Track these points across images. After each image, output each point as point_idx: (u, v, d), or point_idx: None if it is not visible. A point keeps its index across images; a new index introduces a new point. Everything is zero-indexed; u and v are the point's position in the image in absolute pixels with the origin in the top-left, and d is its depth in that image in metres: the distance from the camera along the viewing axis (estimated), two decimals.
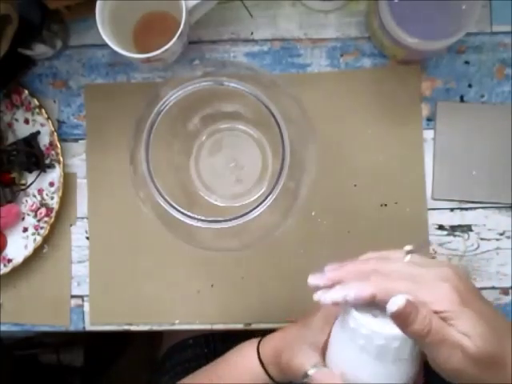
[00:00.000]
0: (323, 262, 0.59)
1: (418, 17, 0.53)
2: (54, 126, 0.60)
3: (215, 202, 0.57)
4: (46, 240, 0.60)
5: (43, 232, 0.59)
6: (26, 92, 0.60)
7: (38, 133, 0.60)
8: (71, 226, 0.61)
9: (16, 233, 0.60)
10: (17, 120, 0.61)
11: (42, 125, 0.60)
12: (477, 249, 0.59)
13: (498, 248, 0.59)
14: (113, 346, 1.12)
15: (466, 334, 0.35)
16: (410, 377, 0.40)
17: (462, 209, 0.59)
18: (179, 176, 0.57)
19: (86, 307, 0.60)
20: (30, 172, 0.60)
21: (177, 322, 0.60)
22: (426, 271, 0.38)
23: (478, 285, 0.59)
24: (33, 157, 0.59)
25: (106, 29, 0.52)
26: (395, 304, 0.35)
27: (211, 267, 0.60)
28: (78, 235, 0.61)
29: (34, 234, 0.60)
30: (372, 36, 0.59)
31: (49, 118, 0.59)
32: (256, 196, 0.55)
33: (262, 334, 0.62)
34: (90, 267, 0.60)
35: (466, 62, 0.59)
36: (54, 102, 0.61)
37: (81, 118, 0.61)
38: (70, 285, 0.60)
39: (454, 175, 0.59)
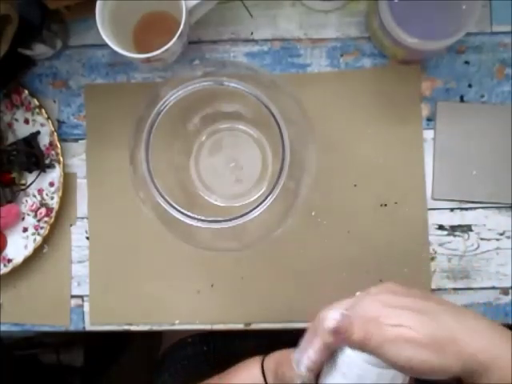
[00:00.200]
0: (323, 262, 0.59)
1: (418, 17, 0.53)
2: (53, 126, 0.60)
3: (215, 202, 0.57)
4: (46, 240, 0.60)
5: (43, 232, 0.59)
6: (26, 92, 0.60)
7: (38, 133, 0.60)
8: (71, 226, 0.61)
9: (16, 233, 0.60)
10: (17, 120, 0.61)
11: (42, 125, 0.60)
12: (477, 249, 0.59)
13: (497, 248, 0.59)
14: (113, 346, 1.12)
15: (402, 325, 0.38)
16: None
17: (462, 209, 0.59)
18: (179, 176, 0.57)
19: (86, 307, 0.60)
20: (30, 172, 0.60)
21: (177, 322, 0.60)
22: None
23: (478, 285, 0.59)
24: (33, 157, 0.59)
25: (106, 29, 0.52)
26: (332, 319, 0.39)
27: (211, 267, 0.60)
28: (78, 235, 0.61)
29: (33, 233, 0.60)
30: (372, 36, 0.59)
31: (49, 118, 0.59)
32: (256, 196, 0.55)
33: (262, 334, 0.63)
34: (90, 267, 0.60)
35: (466, 62, 0.59)
36: (54, 102, 0.61)
37: (81, 118, 0.61)
38: (69, 285, 0.60)
39: (454, 175, 0.59)
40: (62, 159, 0.59)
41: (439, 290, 0.59)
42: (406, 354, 0.37)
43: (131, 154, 0.49)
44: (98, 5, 0.52)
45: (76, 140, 0.61)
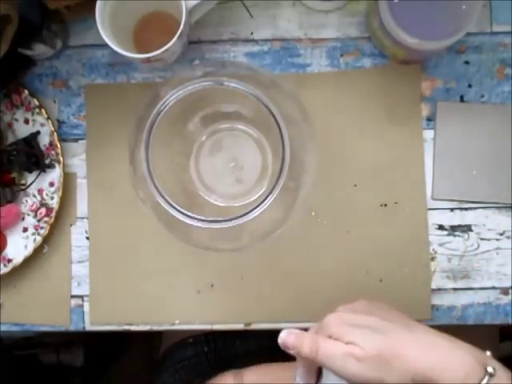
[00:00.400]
0: (323, 262, 0.59)
1: (418, 17, 0.53)
2: (53, 126, 0.60)
3: (215, 202, 0.57)
4: (46, 240, 0.60)
5: (43, 232, 0.59)
6: (26, 92, 0.60)
7: (38, 133, 0.60)
8: (71, 226, 0.61)
9: (16, 233, 0.60)
10: (17, 120, 0.61)
11: (42, 125, 0.60)
12: (477, 249, 0.59)
13: (497, 248, 0.59)
14: (113, 346, 1.12)
15: (352, 343, 0.42)
16: None
17: (461, 209, 0.59)
18: (179, 176, 0.57)
19: (86, 307, 0.60)
20: (30, 172, 0.60)
21: (177, 322, 0.60)
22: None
23: (478, 285, 0.59)
24: (33, 157, 0.59)
25: (106, 29, 0.52)
26: (280, 338, 0.45)
27: (211, 267, 0.60)
28: (78, 235, 0.61)
29: (34, 233, 0.60)
30: (372, 36, 0.59)
31: (49, 118, 0.59)
32: (256, 196, 0.55)
33: (263, 334, 0.63)
34: (90, 267, 0.60)
35: (466, 62, 0.59)
36: (54, 102, 0.61)
37: (81, 118, 0.61)
38: (69, 285, 0.60)
39: (454, 175, 0.59)
40: (62, 159, 0.59)
41: (439, 289, 0.59)
42: (350, 369, 0.41)
43: (131, 154, 0.49)
44: (98, 5, 0.52)
45: (76, 140, 0.61)
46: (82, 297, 0.60)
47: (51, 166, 0.60)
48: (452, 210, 0.59)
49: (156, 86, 0.54)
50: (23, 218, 0.60)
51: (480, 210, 0.59)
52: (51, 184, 0.60)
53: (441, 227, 0.59)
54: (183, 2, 0.52)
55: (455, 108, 0.59)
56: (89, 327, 0.61)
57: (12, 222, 0.60)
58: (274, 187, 0.45)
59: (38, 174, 0.60)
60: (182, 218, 0.45)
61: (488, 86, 0.59)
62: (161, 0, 0.56)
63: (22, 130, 0.60)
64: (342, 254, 0.59)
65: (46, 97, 0.61)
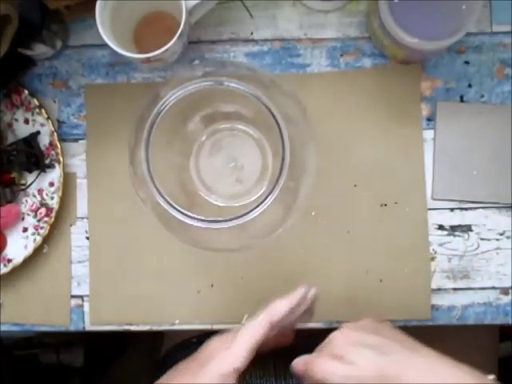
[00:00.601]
0: (323, 262, 0.59)
1: (418, 17, 0.53)
2: (53, 126, 0.60)
3: (215, 202, 0.57)
4: (46, 240, 0.60)
5: (43, 232, 0.59)
6: (26, 92, 0.60)
7: (38, 133, 0.60)
8: (71, 226, 0.61)
9: (16, 233, 0.60)
10: (17, 120, 0.61)
11: (42, 125, 0.60)
12: (477, 249, 0.59)
13: (497, 248, 0.59)
14: (113, 346, 1.12)
15: (353, 363, 0.42)
16: None
17: (461, 209, 0.59)
18: (179, 176, 0.57)
19: (86, 307, 0.60)
20: (30, 172, 0.60)
21: (177, 322, 0.60)
22: None
23: (478, 285, 0.59)
24: (33, 157, 0.59)
25: (106, 29, 0.52)
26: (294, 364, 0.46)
27: (211, 267, 0.60)
28: (78, 235, 0.61)
29: (33, 234, 0.60)
30: (372, 36, 0.59)
31: (49, 118, 0.59)
32: (256, 196, 0.55)
33: None
34: (90, 267, 0.60)
35: (466, 62, 0.59)
36: (54, 102, 0.61)
37: (81, 118, 0.61)
38: (69, 285, 0.60)
39: (453, 175, 0.59)
40: (61, 159, 0.59)
41: (439, 289, 0.59)
42: None
43: (131, 154, 0.49)
44: (98, 5, 0.52)
45: (76, 140, 0.61)
46: (82, 297, 0.60)
47: (51, 166, 0.60)
48: (452, 209, 0.59)
49: (156, 86, 0.54)
50: (23, 218, 0.60)
51: (480, 209, 0.59)
52: (51, 184, 0.60)
53: (441, 227, 0.59)
54: (183, 2, 0.52)
55: (455, 108, 0.59)
56: (89, 327, 0.61)
57: (12, 222, 0.60)
58: (273, 187, 0.45)
59: (38, 174, 0.60)
60: (182, 218, 0.45)
61: (488, 85, 0.59)
62: (161, 0, 0.56)
63: (22, 130, 0.60)
64: (342, 253, 0.59)
65: (45, 97, 0.61)
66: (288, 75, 0.60)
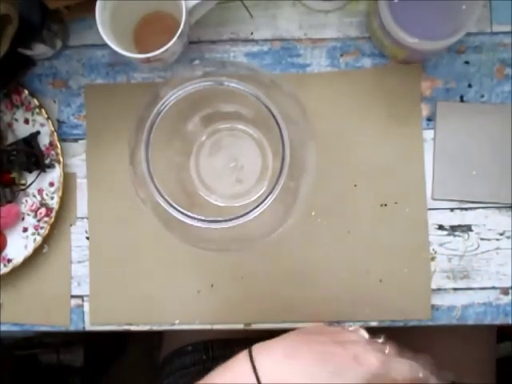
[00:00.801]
0: (323, 262, 0.59)
1: (417, 17, 0.53)
2: (53, 126, 0.60)
3: (215, 202, 0.57)
4: (46, 240, 0.60)
5: (43, 232, 0.59)
6: (26, 92, 0.60)
7: (38, 133, 0.60)
8: (71, 226, 0.61)
9: (16, 233, 0.60)
10: (17, 120, 0.61)
11: (42, 125, 0.60)
12: (477, 249, 0.59)
13: (497, 248, 0.59)
14: (113, 345, 1.12)
15: None
16: None
17: (462, 209, 0.59)
18: (179, 176, 0.57)
19: (86, 307, 0.60)
20: (30, 172, 0.60)
21: (177, 322, 0.60)
22: None
23: (478, 285, 0.59)
24: (33, 157, 0.59)
25: (106, 29, 0.52)
26: None
27: (211, 267, 0.60)
28: (78, 235, 0.61)
29: (33, 233, 0.60)
30: (372, 36, 0.59)
31: (49, 118, 0.59)
32: (256, 196, 0.55)
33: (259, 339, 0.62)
34: (90, 267, 0.60)
35: (466, 62, 0.59)
36: (54, 102, 0.61)
37: (81, 118, 0.61)
38: (69, 285, 0.60)
39: (453, 175, 0.59)
40: (61, 159, 0.59)
41: (439, 289, 0.59)
42: None
43: (131, 154, 0.49)
44: (98, 5, 0.52)
45: (76, 140, 0.61)
46: (82, 297, 0.60)
47: (51, 166, 0.60)
48: (452, 209, 0.59)
49: (156, 86, 0.54)
50: (23, 218, 0.60)
51: (480, 209, 0.59)
52: (51, 184, 0.60)
53: (441, 227, 0.59)
54: (183, 2, 0.52)
55: (455, 108, 0.59)
56: (89, 327, 0.61)
57: (12, 222, 0.60)
58: (273, 187, 0.45)
59: (38, 174, 0.60)
60: (182, 218, 0.45)
61: (488, 85, 0.59)
62: (161, 0, 0.56)
63: (22, 130, 0.60)
64: (341, 254, 0.59)
65: (45, 97, 0.61)
66: (288, 75, 0.60)
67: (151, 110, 0.46)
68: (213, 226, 0.45)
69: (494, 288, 0.59)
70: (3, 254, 0.60)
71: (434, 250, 0.59)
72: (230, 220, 0.45)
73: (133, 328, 0.60)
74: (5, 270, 0.59)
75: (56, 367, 1.11)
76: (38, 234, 0.59)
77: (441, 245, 0.59)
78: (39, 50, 0.58)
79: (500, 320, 0.59)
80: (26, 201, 0.61)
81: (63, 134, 0.61)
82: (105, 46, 0.52)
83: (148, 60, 0.54)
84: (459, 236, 0.59)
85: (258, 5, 0.60)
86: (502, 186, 0.58)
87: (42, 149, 0.60)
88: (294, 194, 0.49)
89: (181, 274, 0.60)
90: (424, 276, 0.59)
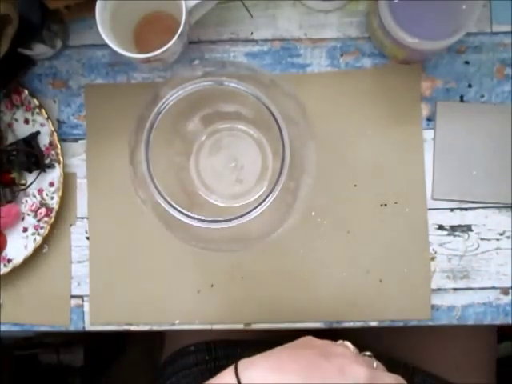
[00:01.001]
0: (323, 262, 0.59)
1: (417, 17, 0.53)
2: (53, 126, 0.60)
3: (215, 202, 0.57)
4: (46, 240, 0.60)
5: (43, 232, 0.59)
6: (26, 92, 0.60)
7: (38, 133, 0.60)
8: (71, 226, 0.61)
9: (16, 233, 0.60)
10: (17, 120, 0.61)
11: (42, 125, 0.60)
12: (477, 249, 0.59)
13: (497, 248, 0.59)
14: (113, 345, 1.12)
15: None
16: None
17: (462, 209, 0.59)
18: (179, 176, 0.57)
19: (86, 307, 0.60)
20: (30, 172, 0.60)
21: (177, 322, 0.60)
22: None
23: (478, 285, 0.59)
24: (33, 157, 0.59)
25: (106, 29, 0.52)
26: None
27: (211, 267, 0.60)
28: (78, 235, 0.61)
29: (33, 234, 0.60)
30: (372, 36, 0.59)
31: (49, 118, 0.59)
32: (256, 196, 0.55)
33: (263, 343, 0.62)
34: (89, 267, 0.60)
35: (466, 62, 0.59)
36: (54, 102, 0.61)
37: (81, 118, 0.61)
38: (69, 285, 0.60)
39: (453, 175, 0.59)
40: (61, 159, 0.59)
41: (439, 289, 0.59)
42: None
43: (131, 154, 0.49)
44: (98, 5, 0.52)
45: (76, 140, 0.61)
46: (82, 297, 0.60)
47: (51, 166, 0.60)
48: (452, 210, 0.59)
49: (156, 86, 0.54)
50: (23, 218, 0.60)
51: (480, 209, 0.59)
52: (51, 184, 0.60)
53: (441, 227, 0.59)
54: (183, 2, 0.52)
55: (455, 108, 0.59)
56: (89, 327, 0.61)
57: (12, 222, 0.60)
58: (273, 187, 0.45)
59: (38, 174, 0.60)
60: (182, 218, 0.45)
61: (488, 85, 0.59)
62: (161, 0, 0.56)
63: (22, 130, 0.60)
64: (341, 254, 0.59)
65: (45, 97, 0.61)
66: (288, 75, 0.60)
67: (151, 110, 0.46)
68: (213, 226, 0.45)
69: (493, 288, 0.59)
70: (3, 254, 0.60)
71: (434, 250, 0.59)
72: (230, 220, 0.45)
73: (133, 328, 0.60)
74: (5, 270, 0.59)
75: (56, 367, 1.11)
76: (38, 234, 0.59)
77: (441, 245, 0.59)
78: (39, 49, 0.58)
79: (500, 320, 0.59)
80: (26, 201, 0.61)
81: (63, 134, 0.61)
82: (105, 45, 0.52)
83: (148, 60, 0.54)
84: (459, 236, 0.59)
85: (257, 5, 0.60)
86: (502, 186, 0.58)
87: (42, 149, 0.60)
88: (294, 194, 0.49)
89: (181, 274, 0.60)
90: (424, 276, 0.59)
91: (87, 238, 0.61)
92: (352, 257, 0.59)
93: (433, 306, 0.59)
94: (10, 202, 0.60)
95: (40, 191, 0.60)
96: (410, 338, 0.69)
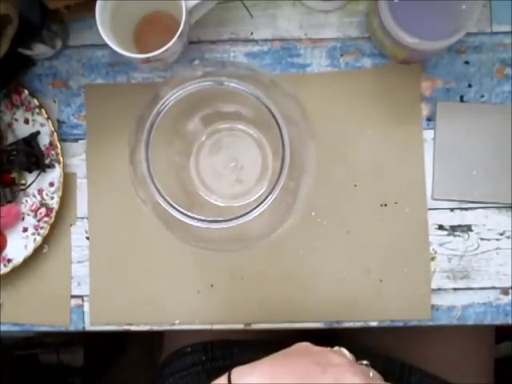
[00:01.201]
0: (323, 262, 0.59)
1: (417, 17, 0.53)
2: (53, 126, 0.60)
3: (215, 202, 0.57)
4: (46, 240, 0.60)
5: (43, 232, 0.59)
6: (26, 92, 0.60)
7: (38, 133, 0.60)
8: (71, 226, 0.61)
9: (16, 233, 0.60)
10: (17, 120, 0.61)
11: (42, 125, 0.60)
12: (477, 249, 0.59)
13: (497, 248, 0.59)
14: (113, 346, 1.12)
15: None
16: None
17: (462, 209, 0.59)
18: (179, 176, 0.57)
19: (86, 307, 0.60)
20: (30, 172, 0.60)
21: (177, 322, 0.60)
22: None
23: (478, 285, 0.59)
24: (33, 157, 0.59)
25: (106, 29, 0.52)
26: None
27: (211, 267, 0.60)
28: (78, 235, 0.61)
29: (33, 234, 0.60)
30: (372, 36, 0.59)
31: (49, 118, 0.59)
32: (256, 196, 0.55)
33: (261, 344, 0.62)
34: (90, 267, 0.60)
35: (466, 62, 0.59)
36: (54, 102, 0.61)
37: (81, 118, 0.61)
38: (69, 285, 0.60)
39: (453, 175, 0.59)
40: (61, 159, 0.59)
41: (439, 289, 0.59)
42: None
43: (131, 154, 0.49)
44: (98, 5, 0.52)
45: (76, 140, 0.61)
46: (82, 297, 0.60)
47: (51, 166, 0.60)
48: (452, 210, 0.59)
49: (156, 86, 0.54)
50: (23, 218, 0.60)
51: (480, 209, 0.59)
52: (51, 184, 0.60)
53: (441, 227, 0.59)
54: (183, 2, 0.52)
55: (455, 108, 0.59)
56: (89, 327, 0.61)
57: (12, 222, 0.60)
58: (273, 187, 0.45)
59: (38, 174, 0.60)
60: (182, 218, 0.45)
61: (488, 86, 0.59)
62: (161, 0, 0.56)
63: (22, 130, 0.60)
64: (341, 253, 0.59)
65: (45, 97, 0.61)
66: (288, 75, 0.60)
67: (151, 110, 0.46)
68: (213, 226, 0.45)
69: (493, 288, 0.59)
70: (3, 254, 0.60)
71: (434, 250, 0.59)
72: (230, 220, 0.45)
73: (133, 328, 0.60)
74: (5, 270, 0.59)
75: (56, 367, 1.11)
76: (38, 234, 0.59)
77: (441, 245, 0.59)
78: (39, 49, 0.58)
79: (500, 320, 0.59)
80: (26, 201, 0.61)
81: (63, 134, 0.61)
82: (105, 45, 0.52)
83: (148, 60, 0.54)
84: (459, 236, 0.59)
85: (257, 5, 0.60)
86: (502, 186, 0.58)
87: (42, 149, 0.60)
88: (294, 194, 0.49)
89: (181, 274, 0.60)
90: (424, 276, 0.59)
91: (87, 238, 0.61)
92: (352, 257, 0.59)
93: (433, 306, 0.59)
94: (10, 201, 0.60)
95: (40, 191, 0.60)
96: (408, 338, 0.69)
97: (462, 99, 0.59)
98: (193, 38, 0.60)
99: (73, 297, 0.61)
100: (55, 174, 0.60)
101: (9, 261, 0.59)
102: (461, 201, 0.59)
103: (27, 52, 0.58)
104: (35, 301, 0.61)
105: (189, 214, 0.45)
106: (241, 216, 0.45)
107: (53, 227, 0.60)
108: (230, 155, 0.57)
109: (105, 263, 0.60)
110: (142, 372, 1.07)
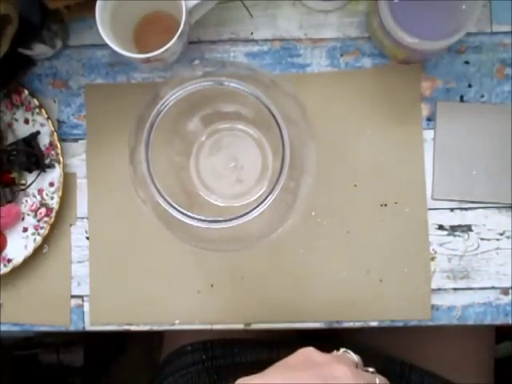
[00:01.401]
0: (323, 262, 0.59)
1: (417, 17, 0.53)
2: (53, 126, 0.60)
3: (215, 202, 0.57)
4: (46, 240, 0.60)
5: (43, 232, 0.59)
6: (26, 92, 0.60)
7: (38, 133, 0.60)
8: (71, 226, 0.61)
9: (16, 233, 0.60)
10: (17, 120, 0.61)
11: (42, 125, 0.60)
12: (477, 249, 0.59)
13: (497, 248, 0.59)
14: (113, 346, 1.12)
15: None
16: None
17: (462, 209, 0.59)
18: (179, 176, 0.57)
19: (86, 307, 0.60)
20: (30, 172, 0.60)
21: (177, 322, 0.60)
22: None
23: (478, 285, 0.59)
24: (33, 157, 0.59)
25: (106, 29, 0.52)
26: None
27: (211, 267, 0.60)
28: (78, 235, 0.61)
29: (33, 234, 0.60)
30: (372, 36, 0.59)
31: (49, 118, 0.59)
32: (256, 196, 0.55)
33: (261, 343, 0.62)
34: (90, 267, 0.60)
35: (466, 62, 0.59)
36: (54, 102, 0.61)
37: (81, 118, 0.61)
38: (69, 285, 0.60)
39: (453, 175, 0.59)
40: (61, 159, 0.59)
41: (439, 289, 0.59)
42: None
43: (131, 154, 0.49)
44: (98, 5, 0.52)
45: (76, 140, 0.61)
46: (82, 297, 0.60)
47: (51, 166, 0.60)
48: (452, 210, 0.59)
49: (156, 86, 0.54)
50: (23, 218, 0.60)
51: (480, 209, 0.59)
52: (51, 184, 0.60)
53: (441, 227, 0.59)
54: (183, 2, 0.52)
55: (455, 108, 0.59)
56: (89, 327, 0.61)
57: (12, 222, 0.60)
58: (273, 187, 0.45)
59: (38, 174, 0.60)
60: (182, 218, 0.45)
61: (488, 85, 0.59)
62: (161, 0, 0.56)
63: (22, 130, 0.60)
64: (341, 253, 0.59)
65: (45, 97, 0.61)
66: (288, 75, 0.60)
67: (151, 110, 0.46)
68: (213, 226, 0.45)
69: (493, 288, 0.59)
70: (3, 253, 0.60)
71: (434, 250, 0.59)
72: (230, 220, 0.45)
73: (133, 328, 0.60)
74: (5, 270, 0.59)
75: (56, 367, 1.11)
76: (38, 234, 0.59)
77: (441, 245, 0.59)
78: (39, 49, 0.58)
79: (500, 320, 0.59)
80: (26, 201, 0.61)
81: (63, 134, 0.61)
82: (105, 45, 0.52)
83: (148, 60, 0.54)
84: (459, 236, 0.59)
85: (257, 5, 0.60)
86: (502, 186, 0.58)
87: (42, 149, 0.60)
88: (294, 194, 0.49)
89: (181, 274, 0.60)
90: (424, 276, 0.59)
91: (87, 238, 0.61)
92: (352, 257, 0.59)
93: (433, 306, 0.59)
94: (10, 201, 0.60)
95: (40, 191, 0.60)
96: (408, 338, 0.69)
97: (461, 99, 0.59)
98: (193, 38, 0.60)
99: (73, 297, 0.61)
100: (55, 174, 0.60)
101: (9, 261, 0.59)
102: (461, 201, 0.59)
103: (27, 52, 0.58)
104: (35, 301, 0.61)
105: (189, 214, 0.45)
106: (241, 216, 0.45)
107: (53, 227, 0.60)
108: (230, 155, 0.57)
109: (105, 263, 0.60)
110: (142, 372, 1.07)
